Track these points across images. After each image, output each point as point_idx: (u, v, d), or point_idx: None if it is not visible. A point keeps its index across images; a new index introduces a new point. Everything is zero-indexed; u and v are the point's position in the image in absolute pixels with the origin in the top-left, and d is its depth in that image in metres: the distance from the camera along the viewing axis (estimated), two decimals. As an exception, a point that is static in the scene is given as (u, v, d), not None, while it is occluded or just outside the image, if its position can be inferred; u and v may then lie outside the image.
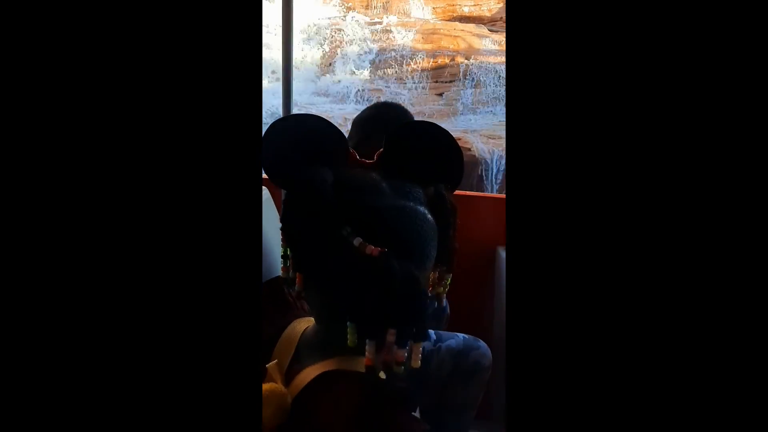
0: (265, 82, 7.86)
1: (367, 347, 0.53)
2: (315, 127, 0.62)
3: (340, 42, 7.93)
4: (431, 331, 1.42)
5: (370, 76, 7.33)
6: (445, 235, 0.58)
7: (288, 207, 0.58)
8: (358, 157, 0.62)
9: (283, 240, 0.59)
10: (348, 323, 0.54)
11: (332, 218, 0.53)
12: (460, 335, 1.40)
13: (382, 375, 0.53)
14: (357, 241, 0.52)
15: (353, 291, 0.53)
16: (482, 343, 1.39)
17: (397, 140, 0.62)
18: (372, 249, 0.52)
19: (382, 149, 0.62)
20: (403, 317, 0.52)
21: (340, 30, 8.09)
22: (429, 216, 0.57)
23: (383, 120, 1.25)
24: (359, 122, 1.33)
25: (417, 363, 0.53)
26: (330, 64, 7.73)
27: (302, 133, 0.62)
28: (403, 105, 1.38)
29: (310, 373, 0.58)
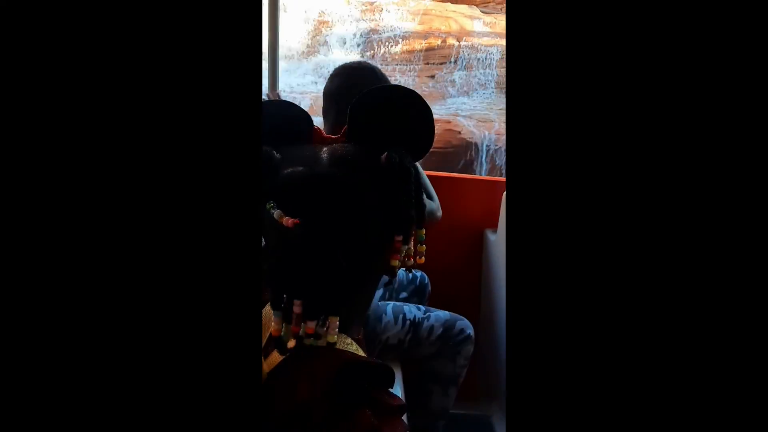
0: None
1: (273, 317, 0.53)
2: (277, 111, 0.63)
3: (329, 22, 7.83)
4: (419, 305, 1.44)
5: (361, 56, 7.26)
6: (398, 202, 0.56)
7: None
8: (324, 134, 0.62)
9: None
10: (273, 311, 0.54)
11: (264, 194, 0.55)
12: (442, 311, 1.43)
13: (291, 344, 0.53)
14: (276, 213, 0.54)
15: (274, 263, 0.54)
16: (465, 319, 1.43)
17: (360, 109, 0.60)
18: (287, 220, 0.53)
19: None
20: (309, 288, 0.52)
21: (326, 11, 7.98)
22: (368, 183, 0.55)
23: (354, 89, 1.23)
24: (330, 94, 1.31)
25: (333, 337, 0.54)
26: (320, 44, 7.64)
27: (267, 117, 0.63)
28: (372, 65, 1.33)
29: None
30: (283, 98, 1.26)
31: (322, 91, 1.31)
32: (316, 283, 0.52)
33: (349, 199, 0.55)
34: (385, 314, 1.36)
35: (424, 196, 0.61)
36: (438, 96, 6.57)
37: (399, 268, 0.59)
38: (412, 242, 0.59)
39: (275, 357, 0.59)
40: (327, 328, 0.54)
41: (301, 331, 0.53)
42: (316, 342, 0.54)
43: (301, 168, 0.56)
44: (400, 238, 0.57)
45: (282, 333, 0.53)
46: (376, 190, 0.55)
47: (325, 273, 0.52)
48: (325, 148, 0.59)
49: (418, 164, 0.62)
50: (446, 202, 1.45)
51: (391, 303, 1.41)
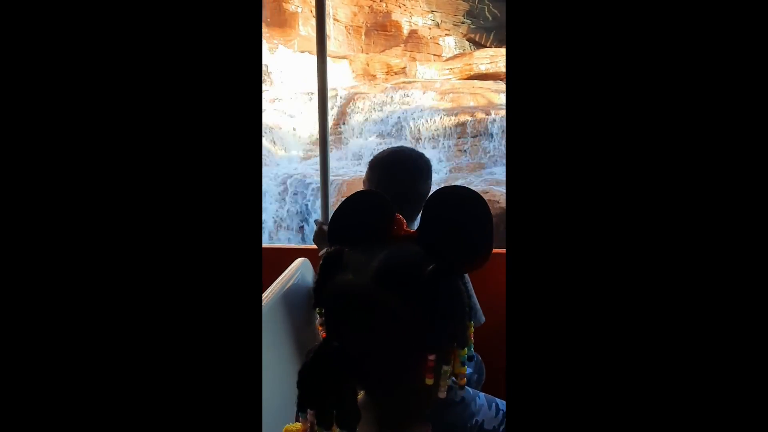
0: (296, 153, 8.15)
1: (300, 421, 0.55)
2: (368, 203, 0.65)
3: (362, 107, 8.22)
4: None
5: (396, 137, 7.53)
6: (434, 320, 0.55)
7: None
8: (404, 228, 0.63)
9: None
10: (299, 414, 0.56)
11: (316, 296, 0.58)
12: None
13: None
14: (318, 321, 0.57)
15: (303, 366, 0.56)
16: None
17: (429, 210, 0.61)
18: (322, 332, 0.56)
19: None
20: (321, 402, 0.54)
21: (360, 93, 8.41)
22: (407, 299, 0.54)
23: (391, 161, 1.28)
24: (375, 165, 1.35)
25: None
26: (351, 129, 7.98)
27: (359, 209, 0.65)
28: (410, 151, 1.39)
29: None
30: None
31: (365, 177, 1.36)
32: (327, 399, 0.54)
33: (380, 317, 0.54)
34: (478, 398, 1.30)
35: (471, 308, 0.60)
36: (474, 167, 6.66)
37: (444, 388, 0.57)
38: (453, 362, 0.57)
39: None
40: None
41: None
42: None
43: (350, 277, 0.56)
44: (432, 357, 0.55)
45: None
46: (414, 306, 0.54)
47: (336, 391, 0.54)
48: (387, 251, 0.58)
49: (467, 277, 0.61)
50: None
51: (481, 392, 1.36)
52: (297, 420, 0.57)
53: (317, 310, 0.57)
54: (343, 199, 0.66)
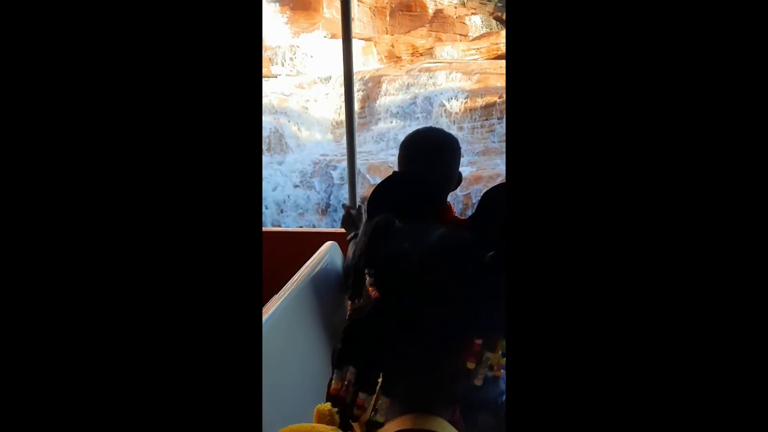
0: (317, 135, 8.17)
1: (333, 376, 0.56)
2: (414, 183, 0.68)
3: (387, 89, 8.16)
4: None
5: (421, 119, 7.47)
6: (488, 306, 0.55)
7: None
8: (454, 214, 0.65)
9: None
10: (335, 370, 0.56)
11: (367, 259, 0.58)
12: None
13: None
14: (369, 281, 0.56)
15: (349, 325, 0.57)
16: None
17: (487, 202, 0.63)
18: (373, 291, 0.55)
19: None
20: (363, 360, 0.55)
21: (385, 75, 8.35)
22: (460, 280, 0.55)
23: (419, 141, 1.29)
24: (405, 145, 1.36)
25: (367, 415, 0.55)
26: (376, 111, 7.95)
27: (403, 188, 0.67)
28: (442, 132, 1.41)
29: (387, 429, 0.59)
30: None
31: (398, 158, 1.35)
32: (370, 359, 0.54)
33: (433, 290, 0.55)
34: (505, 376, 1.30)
35: None
36: (500, 150, 6.57)
37: (481, 376, 0.57)
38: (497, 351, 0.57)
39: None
40: (366, 406, 0.55)
41: (347, 399, 0.55)
42: (358, 414, 0.55)
43: (406, 245, 0.58)
44: (479, 341, 0.55)
45: (338, 395, 0.56)
46: (467, 289, 0.55)
47: (380, 353, 0.54)
48: (442, 230, 0.60)
49: None
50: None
51: None
52: (332, 379, 0.57)
53: (366, 270, 0.57)
54: (394, 172, 0.67)
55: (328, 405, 0.65)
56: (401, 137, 1.37)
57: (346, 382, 0.54)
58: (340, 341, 0.57)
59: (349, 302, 0.64)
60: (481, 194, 0.62)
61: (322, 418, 0.64)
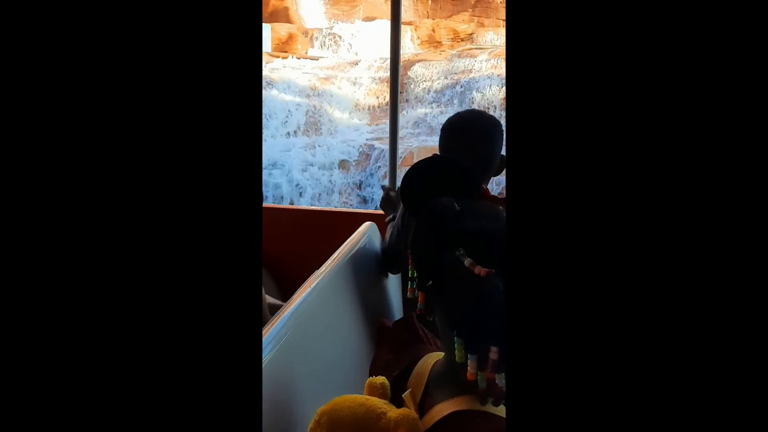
0: (344, 116, 8.18)
1: (469, 361, 0.55)
2: (448, 166, 0.67)
3: (427, 74, 8.09)
4: None
5: (458, 106, 7.39)
6: None
7: (416, 233, 0.64)
8: (490, 193, 0.65)
9: (410, 263, 0.65)
10: (456, 339, 0.56)
11: (449, 240, 0.58)
12: None
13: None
14: (468, 262, 0.56)
15: (463, 308, 0.56)
16: None
17: None
18: (480, 269, 0.54)
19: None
20: (501, 336, 0.53)
21: (425, 60, 8.26)
22: None
23: (460, 123, 1.26)
24: (446, 128, 1.34)
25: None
26: (413, 97, 7.89)
27: (437, 172, 0.67)
28: (485, 111, 1.38)
29: (442, 409, 0.59)
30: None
31: (439, 142, 1.34)
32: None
33: None
34: None
35: None
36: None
37: None
38: None
39: (432, 416, 0.60)
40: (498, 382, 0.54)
41: (497, 380, 0.54)
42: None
43: (488, 222, 0.58)
44: None
45: (478, 379, 0.55)
46: None
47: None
48: (497, 206, 0.61)
49: None
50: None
51: None
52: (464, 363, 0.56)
53: (458, 251, 0.57)
54: (426, 157, 0.67)
55: (381, 378, 0.66)
56: (436, 124, 1.35)
57: (490, 363, 0.53)
58: (458, 327, 0.56)
59: (409, 287, 0.65)
60: None
61: (374, 391, 0.65)
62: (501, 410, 0.58)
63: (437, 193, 0.62)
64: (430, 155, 0.70)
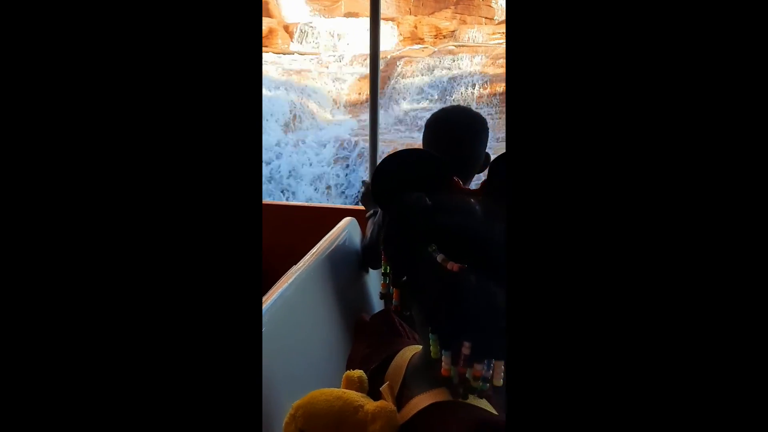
0: (328, 115, 8.15)
1: (443, 357, 0.55)
2: (419, 159, 0.67)
3: (409, 71, 8.09)
4: None
5: (443, 103, 7.40)
6: None
7: (389, 229, 0.64)
8: (462, 186, 0.65)
9: (384, 259, 0.64)
10: (431, 335, 0.56)
11: (421, 237, 0.57)
12: None
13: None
14: (440, 258, 0.55)
15: (436, 304, 0.56)
16: None
17: (499, 165, 0.64)
18: (452, 265, 0.54)
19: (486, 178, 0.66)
20: (477, 330, 0.53)
21: (407, 57, 8.26)
22: None
23: (444, 120, 1.25)
24: (430, 124, 1.33)
25: (499, 381, 0.54)
26: (397, 93, 7.88)
27: (408, 165, 0.66)
28: (470, 108, 1.37)
29: (420, 401, 0.59)
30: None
31: (422, 138, 1.34)
32: (485, 326, 0.53)
33: (500, 255, 0.55)
34: None
35: None
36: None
37: None
38: None
39: (410, 408, 0.60)
40: (492, 372, 0.55)
41: (467, 374, 0.54)
42: (483, 386, 0.55)
43: (461, 217, 0.58)
44: None
45: (451, 374, 0.55)
46: None
47: (493, 316, 0.53)
48: (472, 200, 0.61)
49: None
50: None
51: None
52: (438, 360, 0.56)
53: (431, 247, 0.56)
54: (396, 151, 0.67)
55: (359, 372, 0.66)
56: (420, 120, 1.35)
57: (462, 358, 0.54)
58: (432, 323, 0.56)
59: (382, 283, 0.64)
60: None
61: (351, 384, 0.65)
62: (479, 401, 0.59)
63: (408, 187, 0.62)
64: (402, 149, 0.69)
